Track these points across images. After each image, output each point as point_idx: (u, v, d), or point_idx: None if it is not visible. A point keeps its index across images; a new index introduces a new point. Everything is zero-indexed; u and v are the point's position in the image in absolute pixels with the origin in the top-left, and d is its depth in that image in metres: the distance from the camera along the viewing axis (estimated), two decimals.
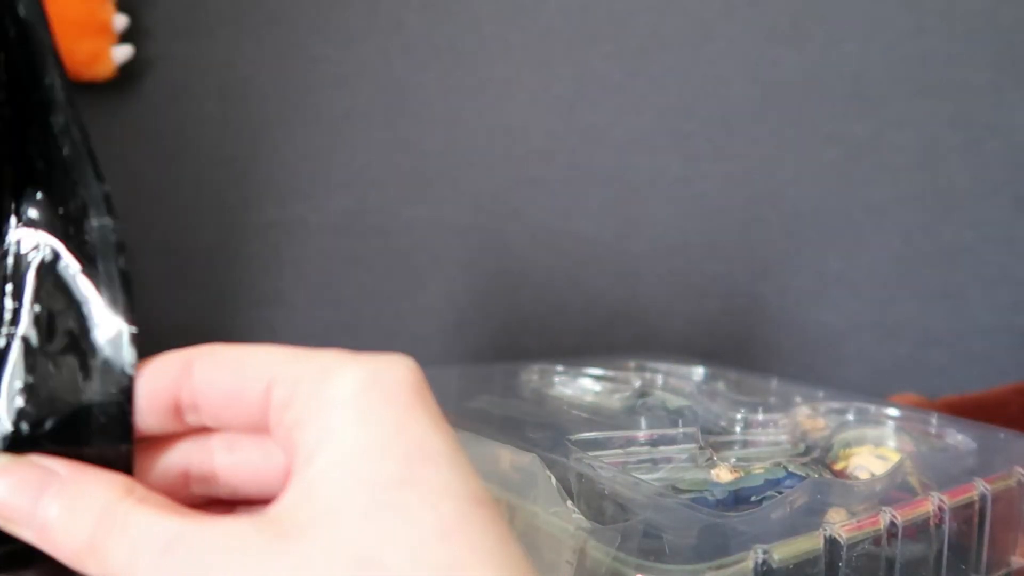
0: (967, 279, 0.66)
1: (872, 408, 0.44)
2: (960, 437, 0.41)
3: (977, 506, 0.35)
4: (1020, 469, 0.37)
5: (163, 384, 0.22)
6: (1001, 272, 0.66)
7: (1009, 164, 0.65)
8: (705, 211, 0.69)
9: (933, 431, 0.42)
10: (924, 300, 0.67)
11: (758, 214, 0.68)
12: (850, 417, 0.44)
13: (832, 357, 0.68)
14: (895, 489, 0.34)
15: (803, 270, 0.68)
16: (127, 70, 0.68)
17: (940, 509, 0.33)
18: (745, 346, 0.69)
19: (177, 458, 0.23)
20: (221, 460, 0.23)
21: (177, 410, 0.22)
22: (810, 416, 0.44)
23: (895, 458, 0.38)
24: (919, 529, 0.33)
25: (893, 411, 0.43)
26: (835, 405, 0.45)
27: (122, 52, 0.67)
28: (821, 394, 0.47)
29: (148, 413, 0.22)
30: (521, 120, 0.69)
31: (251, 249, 0.70)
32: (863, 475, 0.37)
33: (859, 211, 0.67)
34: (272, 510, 0.20)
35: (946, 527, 0.34)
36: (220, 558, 0.19)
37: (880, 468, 0.37)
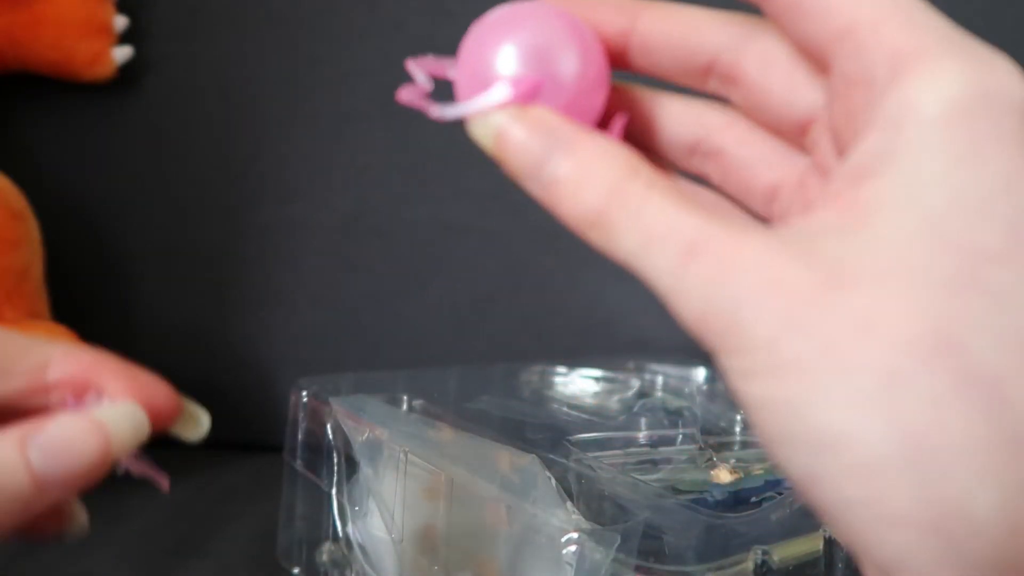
0: None
1: None
2: None
3: None
4: None
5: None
6: None
7: None
8: None
9: None
10: None
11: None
12: None
13: None
14: None
15: None
16: (127, 70, 0.68)
17: None
18: None
19: (689, 127, 0.22)
20: (734, 147, 0.22)
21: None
22: None
23: None
24: None
25: None
26: None
27: (122, 52, 0.67)
28: None
29: None
30: None
31: (251, 249, 0.70)
32: None
33: None
34: (816, 239, 0.17)
35: None
36: (756, 289, 0.17)
37: None
